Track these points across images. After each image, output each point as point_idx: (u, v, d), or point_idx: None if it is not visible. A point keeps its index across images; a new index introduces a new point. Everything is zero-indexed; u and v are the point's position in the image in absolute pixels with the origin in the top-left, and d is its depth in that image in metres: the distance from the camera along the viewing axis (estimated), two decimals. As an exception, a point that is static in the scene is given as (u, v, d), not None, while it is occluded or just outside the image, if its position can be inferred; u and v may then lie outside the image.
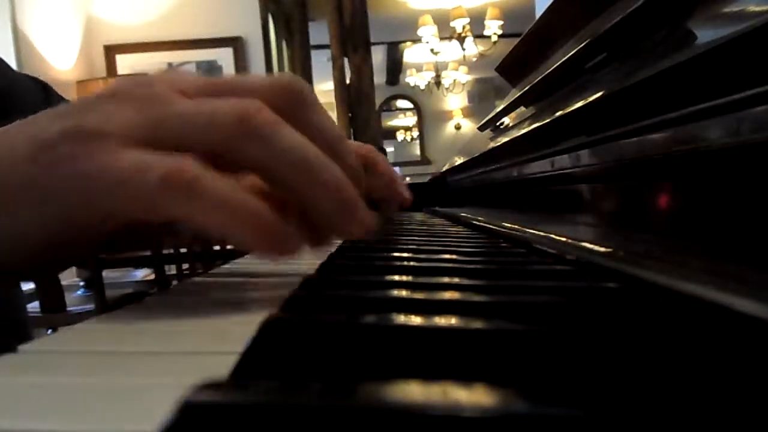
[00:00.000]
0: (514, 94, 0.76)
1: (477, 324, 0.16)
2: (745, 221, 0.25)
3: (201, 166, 0.24)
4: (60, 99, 0.63)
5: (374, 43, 3.96)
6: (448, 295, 0.21)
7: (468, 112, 8.05)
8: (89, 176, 0.24)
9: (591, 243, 0.33)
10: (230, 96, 0.27)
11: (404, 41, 6.93)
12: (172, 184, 0.23)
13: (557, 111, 0.47)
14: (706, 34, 0.28)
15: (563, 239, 0.37)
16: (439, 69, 6.82)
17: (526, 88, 0.63)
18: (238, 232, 0.24)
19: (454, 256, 0.39)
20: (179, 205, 0.24)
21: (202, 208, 0.24)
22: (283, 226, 0.25)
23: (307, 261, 0.41)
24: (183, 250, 2.16)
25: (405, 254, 0.39)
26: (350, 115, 3.62)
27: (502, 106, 0.83)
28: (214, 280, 0.40)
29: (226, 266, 0.46)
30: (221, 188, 0.24)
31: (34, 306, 1.88)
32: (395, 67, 7.86)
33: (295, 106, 0.28)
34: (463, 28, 5.04)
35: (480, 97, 7.85)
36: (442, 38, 5.42)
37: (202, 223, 0.24)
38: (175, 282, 2.20)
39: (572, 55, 0.46)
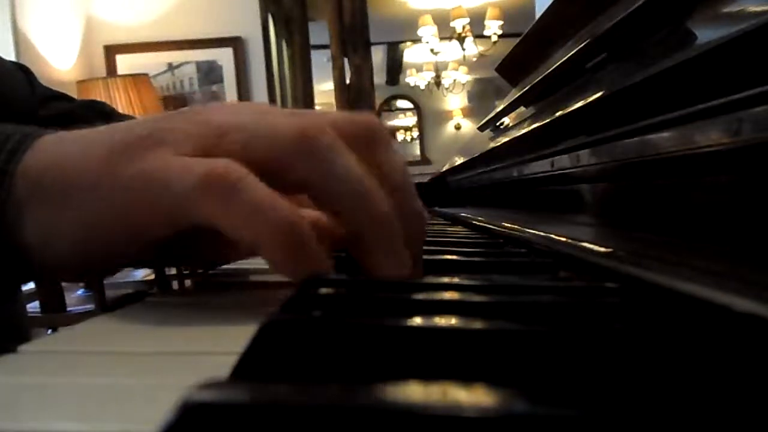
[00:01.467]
0: (514, 94, 0.76)
1: (477, 324, 0.16)
2: (745, 221, 0.25)
3: (246, 171, 0.24)
4: (42, 86, 0.63)
5: (374, 43, 3.96)
6: (448, 295, 0.21)
7: (468, 112, 8.05)
8: (141, 177, 0.25)
9: (591, 243, 0.33)
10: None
11: (404, 41, 6.93)
12: (212, 184, 0.24)
13: (557, 111, 0.47)
14: (706, 34, 0.28)
15: (563, 239, 0.37)
16: (439, 69, 6.82)
17: (526, 88, 0.63)
18: (267, 243, 0.24)
19: (454, 257, 0.39)
20: (217, 207, 0.24)
21: (238, 212, 0.24)
22: (314, 246, 0.25)
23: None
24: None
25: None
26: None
27: (502, 106, 0.83)
28: (214, 280, 0.40)
29: (227, 266, 0.46)
30: (261, 195, 0.24)
31: (34, 306, 1.88)
32: (395, 67, 7.86)
33: (368, 140, 0.28)
34: (463, 28, 5.04)
35: (480, 97, 7.84)
36: (442, 38, 5.42)
37: (236, 228, 0.24)
38: (175, 282, 2.20)
39: (572, 55, 0.46)
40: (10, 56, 2.38)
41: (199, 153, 0.26)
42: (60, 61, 2.78)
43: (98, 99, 2.73)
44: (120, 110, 2.87)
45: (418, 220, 0.29)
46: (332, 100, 3.74)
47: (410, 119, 8.42)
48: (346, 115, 0.29)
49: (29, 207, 0.27)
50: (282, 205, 0.24)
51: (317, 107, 3.89)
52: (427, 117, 8.26)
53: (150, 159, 0.25)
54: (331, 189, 0.26)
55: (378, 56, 6.92)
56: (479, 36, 5.24)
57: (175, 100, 3.05)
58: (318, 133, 0.26)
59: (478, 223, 0.65)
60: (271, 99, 3.15)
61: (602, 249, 0.31)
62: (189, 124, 0.27)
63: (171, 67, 3.07)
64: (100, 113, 0.62)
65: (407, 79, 7.44)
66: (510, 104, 0.77)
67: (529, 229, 0.46)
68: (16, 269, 0.28)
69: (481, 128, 1.04)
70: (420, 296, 0.21)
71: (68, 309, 1.92)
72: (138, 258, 0.30)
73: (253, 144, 0.26)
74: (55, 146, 0.28)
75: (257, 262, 0.42)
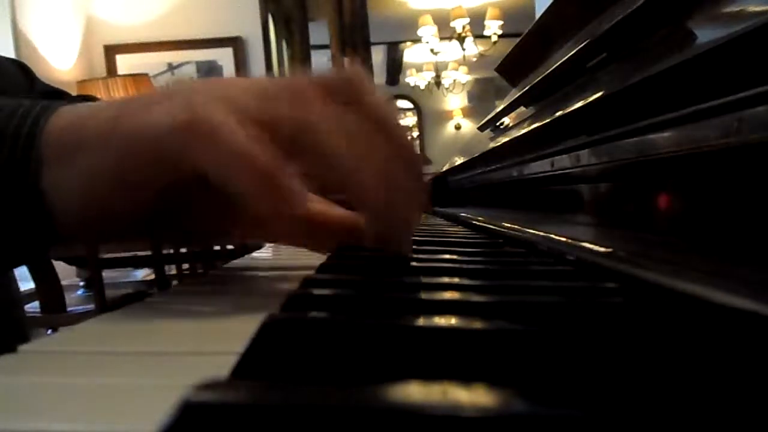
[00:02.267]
0: (514, 94, 0.76)
1: (477, 324, 0.16)
2: (745, 221, 0.25)
3: (228, 119, 0.26)
4: (41, 83, 0.63)
5: (374, 43, 3.96)
6: (448, 295, 0.21)
7: (468, 112, 8.05)
8: (138, 127, 0.28)
9: (591, 243, 0.33)
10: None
11: (404, 41, 6.93)
12: (192, 126, 0.26)
13: (557, 111, 0.47)
14: (706, 34, 0.28)
15: (563, 239, 0.37)
16: (439, 69, 6.82)
17: (526, 88, 0.63)
18: (246, 185, 0.26)
19: (454, 256, 0.39)
20: (195, 147, 0.26)
21: (215, 153, 0.26)
22: (292, 187, 0.26)
23: (307, 261, 0.41)
24: (183, 250, 2.16)
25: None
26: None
27: (502, 106, 0.83)
28: (215, 280, 0.40)
29: (227, 266, 0.46)
30: (239, 137, 0.26)
31: (34, 306, 1.88)
32: (395, 67, 7.85)
33: (352, 90, 0.30)
34: (463, 28, 5.03)
35: (480, 97, 7.84)
36: (442, 38, 5.42)
37: (213, 167, 0.26)
38: (175, 282, 2.20)
39: (572, 55, 0.46)
40: (10, 56, 2.37)
41: (232, 111, 0.27)
42: (60, 61, 2.78)
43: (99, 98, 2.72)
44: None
45: (413, 159, 0.31)
46: (332, 100, 3.73)
47: (410, 119, 8.42)
48: (329, 72, 0.31)
49: (50, 165, 0.29)
50: (258, 149, 0.26)
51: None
52: (427, 117, 8.26)
53: (148, 115, 0.28)
54: (327, 165, 0.28)
55: (378, 56, 6.91)
56: (479, 36, 5.24)
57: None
58: (308, 112, 0.28)
59: (478, 223, 0.65)
60: (271, 99, 3.14)
61: (602, 249, 0.31)
62: (189, 91, 0.29)
63: (171, 67, 3.07)
64: None
65: (407, 79, 7.44)
66: (510, 104, 0.77)
67: (529, 229, 0.46)
68: (44, 229, 0.30)
69: (481, 128, 1.04)
70: (420, 296, 0.21)
71: (68, 309, 1.92)
72: (140, 215, 0.31)
73: (248, 103, 0.28)
74: (72, 112, 0.30)
75: (257, 262, 0.42)
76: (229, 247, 2.42)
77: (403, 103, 8.38)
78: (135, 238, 0.34)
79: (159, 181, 0.29)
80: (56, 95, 0.64)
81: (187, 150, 0.26)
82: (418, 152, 0.38)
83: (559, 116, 0.46)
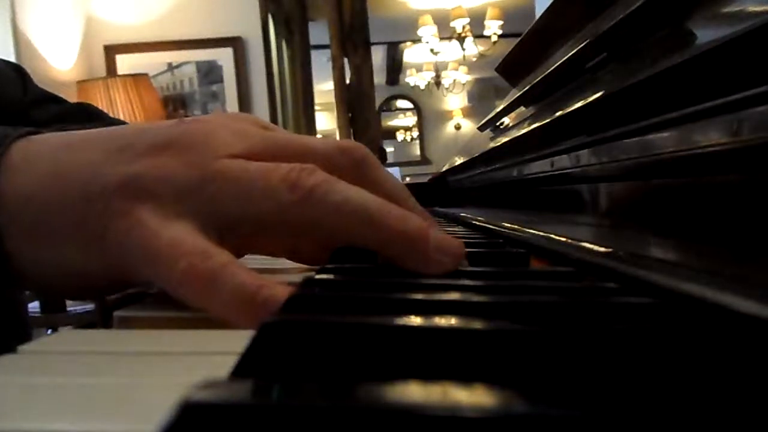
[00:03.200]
0: (514, 94, 0.76)
1: (477, 324, 0.16)
2: (745, 221, 0.25)
3: (229, 260, 0.24)
4: (35, 87, 0.63)
5: (374, 43, 3.96)
6: (448, 295, 0.21)
7: (468, 112, 8.05)
8: (130, 241, 0.25)
9: (591, 243, 0.33)
10: (290, 159, 0.26)
11: (404, 41, 6.93)
12: (193, 279, 0.24)
13: (557, 111, 0.47)
14: (706, 34, 0.28)
15: (563, 239, 0.37)
16: (439, 69, 6.82)
17: (526, 88, 0.63)
18: (246, 325, 0.23)
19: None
20: (196, 297, 0.24)
21: (218, 302, 0.23)
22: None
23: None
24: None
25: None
26: (350, 115, 3.62)
27: (502, 106, 0.83)
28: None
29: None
30: (240, 284, 0.23)
31: (34, 306, 1.88)
32: (395, 67, 7.85)
33: (356, 164, 0.28)
34: (463, 28, 5.04)
35: (480, 97, 7.84)
36: (442, 38, 5.42)
37: (217, 314, 0.24)
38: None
39: (572, 55, 0.46)
40: (10, 56, 2.38)
41: (190, 213, 0.25)
42: (60, 61, 2.78)
43: (98, 99, 2.72)
44: (120, 110, 2.84)
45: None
46: (332, 100, 3.74)
47: (410, 119, 8.42)
48: (334, 145, 0.29)
49: (12, 236, 0.26)
50: (260, 288, 0.23)
51: (317, 107, 3.88)
52: (427, 117, 8.26)
53: (138, 217, 0.25)
54: (338, 224, 0.25)
55: (378, 56, 6.91)
56: (479, 36, 5.24)
57: (175, 100, 3.05)
58: (306, 176, 0.25)
59: (478, 223, 0.65)
60: (271, 99, 3.15)
61: (602, 249, 0.31)
62: (171, 167, 0.25)
63: (171, 67, 3.07)
64: (90, 116, 0.62)
65: (407, 79, 7.44)
66: (510, 104, 0.77)
67: (529, 229, 0.46)
68: (4, 279, 0.28)
69: (481, 128, 1.04)
70: (420, 296, 0.21)
71: (68, 309, 1.92)
72: (115, 287, 0.30)
73: (248, 207, 0.25)
74: (32, 169, 0.26)
75: (257, 262, 0.42)
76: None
77: (403, 103, 8.39)
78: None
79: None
80: (50, 100, 0.64)
81: (186, 295, 0.24)
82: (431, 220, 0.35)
83: (559, 116, 0.46)
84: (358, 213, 0.25)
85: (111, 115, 0.68)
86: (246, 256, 0.44)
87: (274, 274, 0.40)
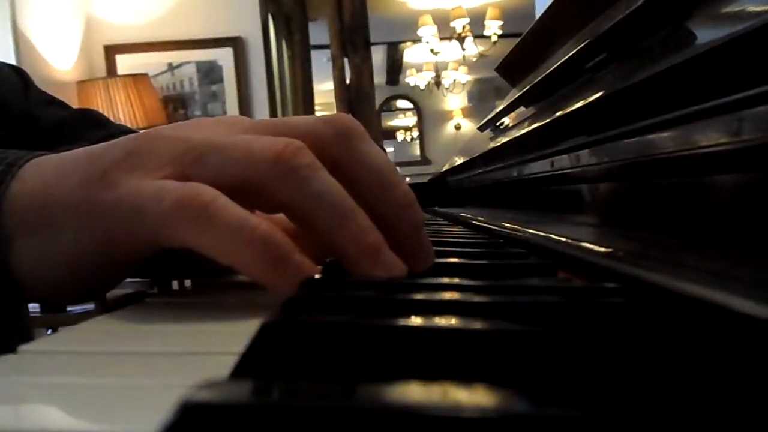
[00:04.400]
0: (514, 94, 0.76)
1: (477, 324, 0.16)
2: (745, 221, 0.25)
3: (217, 193, 0.24)
4: (38, 90, 0.63)
5: (374, 43, 3.96)
6: (447, 295, 0.21)
7: (468, 112, 8.05)
8: (112, 204, 0.26)
9: (591, 243, 0.33)
10: (278, 134, 0.27)
11: (404, 41, 6.93)
12: (184, 209, 0.24)
13: (557, 111, 0.47)
14: (706, 34, 0.28)
15: (563, 239, 0.37)
16: (439, 69, 6.82)
17: (526, 88, 0.63)
18: (245, 260, 0.24)
19: (454, 257, 0.39)
20: (190, 231, 0.24)
21: (213, 233, 0.24)
22: (294, 256, 0.25)
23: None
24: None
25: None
26: (350, 115, 3.62)
27: (502, 106, 0.83)
28: (215, 280, 0.40)
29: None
30: (233, 215, 0.24)
31: (34, 306, 1.88)
32: (395, 67, 7.85)
33: (340, 135, 0.28)
34: (463, 28, 5.03)
35: (480, 97, 7.84)
36: (442, 38, 5.42)
37: (212, 250, 0.24)
38: (175, 282, 2.20)
39: (572, 55, 0.46)
40: (10, 56, 2.38)
41: (175, 176, 0.26)
42: (60, 62, 2.77)
43: (98, 99, 2.71)
44: (120, 110, 2.83)
45: (409, 205, 0.29)
46: (332, 100, 3.74)
47: (410, 119, 8.42)
48: (318, 118, 0.29)
49: (16, 236, 0.27)
50: (255, 222, 0.24)
51: (317, 107, 3.88)
52: (427, 117, 8.26)
53: (125, 184, 0.26)
54: (308, 209, 0.26)
55: (378, 56, 6.91)
56: (479, 36, 5.24)
57: (174, 100, 3.05)
58: (294, 153, 0.26)
59: (478, 223, 0.65)
60: (271, 99, 3.15)
61: (602, 249, 0.31)
62: (164, 146, 0.27)
63: (171, 67, 3.07)
64: (94, 123, 0.62)
65: (407, 79, 7.44)
66: (510, 104, 0.77)
67: (529, 229, 0.46)
68: (8, 294, 0.28)
69: (481, 128, 1.04)
70: (420, 297, 0.21)
71: (68, 309, 1.92)
72: (127, 277, 0.30)
73: (228, 166, 0.26)
74: (38, 173, 0.28)
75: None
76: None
77: (403, 103, 8.39)
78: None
79: (142, 257, 0.27)
80: (53, 104, 0.63)
81: (180, 233, 0.24)
82: (419, 210, 0.35)
83: (559, 116, 0.46)
84: (327, 208, 0.26)
85: (111, 115, 0.68)
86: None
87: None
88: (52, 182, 0.27)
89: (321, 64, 4.83)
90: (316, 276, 0.25)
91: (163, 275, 0.39)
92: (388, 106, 8.31)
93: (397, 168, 0.31)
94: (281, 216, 0.27)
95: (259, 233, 0.24)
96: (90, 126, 0.60)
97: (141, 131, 0.30)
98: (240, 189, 0.25)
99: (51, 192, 0.27)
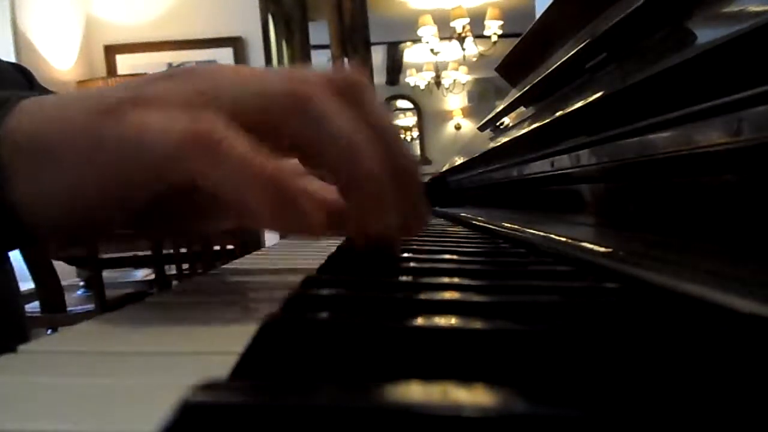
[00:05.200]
0: (514, 94, 0.76)
1: (477, 324, 0.16)
2: (745, 221, 0.25)
3: (230, 131, 0.24)
4: (41, 87, 0.63)
5: (374, 43, 3.96)
6: (448, 295, 0.21)
7: (468, 112, 8.05)
8: (122, 137, 0.25)
9: (591, 243, 0.33)
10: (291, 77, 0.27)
11: (404, 41, 6.93)
12: (194, 141, 0.24)
13: (557, 111, 0.47)
14: (706, 34, 0.28)
15: (563, 239, 0.37)
16: (439, 69, 6.82)
17: (526, 88, 0.63)
18: (251, 199, 0.24)
19: (454, 257, 0.39)
20: (199, 164, 0.24)
21: (222, 169, 0.23)
22: (301, 201, 0.24)
23: (307, 261, 0.41)
24: (183, 250, 2.16)
25: (404, 254, 0.39)
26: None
27: (502, 106, 0.83)
28: (214, 280, 0.40)
29: (227, 266, 0.46)
30: (244, 152, 0.23)
31: (34, 306, 1.88)
32: (395, 67, 7.85)
33: (355, 95, 0.28)
34: (463, 28, 5.03)
35: (480, 97, 7.84)
36: (442, 38, 5.42)
37: (220, 185, 0.24)
38: (175, 282, 2.20)
39: (572, 55, 0.46)
40: (10, 56, 2.38)
41: (175, 105, 0.25)
42: (60, 61, 2.78)
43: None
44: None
45: (409, 172, 0.29)
46: (332, 100, 3.74)
47: (410, 119, 8.42)
48: (333, 71, 0.29)
49: (16, 169, 0.26)
50: (266, 161, 0.24)
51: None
52: (427, 117, 8.26)
53: (131, 118, 0.25)
54: (321, 147, 0.26)
55: (378, 56, 6.91)
56: (479, 36, 5.24)
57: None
58: (309, 91, 0.26)
59: (478, 223, 0.65)
60: (271, 99, 3.14)
61: (602, 249, 0.31)
62: (175, 84, 0.26)
63: (171, 67, 3.06)
64: None
65: (407, 79, 7.44)
66: (510, 104, 0.77)
67: (529, 229, 0.46)
68: (8, 229, 0.28)
69: (481, 128, 1.04)
70: (420, 296, 0.21)
71: (68, 309, 1.92)
72: (126, 220, 0.30)
73: (243, 102, 0.25)
74: (38, 109, 0.27)
75: (257, 263, 0.42)
76: (229, 247, 2.42)
77: (403, 103, 8.38)
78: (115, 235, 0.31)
79: (150, 193, 0.27)
80: None
81: (188, 166, 0.24)
82: (417, 159, 0.35)
83: (559, 116, 0.46)
84: (342, 148, 0.26)
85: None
86: (246, 256, 0.44)
87: (276, 275, 0.40)
88: (53, 116, 0.27)
89: (321, 64, 4.84)
90: (318, 277, 0.25)
91: (157, 227, 0.38)
92: (388, 106, 8.31)
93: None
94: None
95: (269, 173, 0.23)
96: None
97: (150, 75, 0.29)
98: (254, 125, 0.25)
99: (51, 126, 0.26)
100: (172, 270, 2.22)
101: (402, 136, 0.31)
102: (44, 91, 0.63)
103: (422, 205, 0.29)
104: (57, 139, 0.26)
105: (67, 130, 0.26)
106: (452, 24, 5.03)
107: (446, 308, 0.20)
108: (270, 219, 0.24)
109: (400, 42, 7.01)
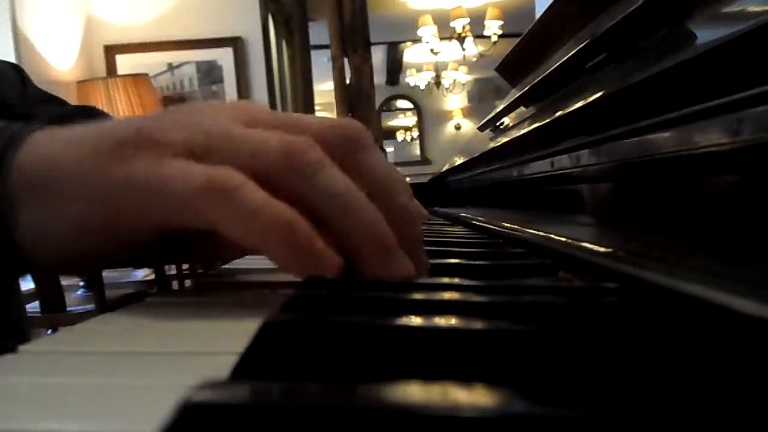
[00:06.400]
0: (514, 94, 0.76)
1: (477, 324, 0.16)
2: (745, 221, 0.25)
3: (244, 177, 0.24)
4: (35, 87, 0.63)
5: (374, 43, 3.96)
6: (447, 295, 0.21)
7: (468, 112, 8.05)
8: (125, 181, 0.25)
9: (591, 243, 0.33)
10: (289, 131, 0.27)
11: (404, 41, 6.93)
12: (212, 190, 0.24)
13: (557, 111, 0.47)
14: (706, 34, 0.28)
15: (563, 239, 0.37)
16: (439, 69, 6.82)
17: (526, 88, 0.63)
18: (270, 244, 0.24)
19: (454, 257, 0.39)
20: (215, 210, 0.24)
21: (237, 214, 0.24)
22: (318, 244, 0.25)
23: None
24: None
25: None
26: (350, 115, 3.61)
27: (502, 106, 0.83)
28: (215, 280, 0.40)
29: (227, 266, 0.46)
30: (259, 197, 0.24)
31: (34, 306, 1.88)
32: (395, 67, 7.85)
33: (351, 146, 0.28)
34: (463, 28, 5.03)
35: (480, 97, 7.84)
36: (442, 38, 5.42)
37: (237, 231, 0.24)
38: (175, 282, 2.20)
39: (572, 55, 0.46)
40: (10, 56, 2.38)
41: (188, 157, 0.26)
42: (60, 61, 2.77)
43: (98, 99, 2.71)
44: (120, 110, 2.83)
45: (411, 219, 0.29)
46: (332, 100, 3.74)
47: (410, 119, 8.42)
48: (327, 122, 0.29)
49: (22, 202, 0.27)
50: (281, 207, 0.24)
51: (317, 107, 3.89)
52: (427, 117, 8.26)
53: (140, 161, 0.25)
54: (318, 204, 0.26)
55: (378, 56, 6.91)
56: (479, 36, 5.24)
57: (174, 100, 3.05)
58: (302, 149, 0.26)
59: (478, 223, 0.65)
60: (271, 99, 3.15)
61: (602, 249, 0.31)
62: (177, 126, 0.27)
63: (171, 67, 3.07)
64: (93, 117, 0.62)
65: (407, 79, 7.43)
66: (510, 104, 0.77)
67: (529, 229, 0.46)
68: (11, 263, 0.28)
69: (481, 128, 1.04)
70: (420, 296, 0.21)
71: (68, 309, 1.92)
72: (131, 256, 0.30)
73: (240, 158, 0.26)
74: (47, 143, 0.28)
75: (256, 262, 0.42)
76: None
77: (403, 103, 8.39)
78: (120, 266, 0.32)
79: (147, 238, 0.27)
80: (51, 101, 0.64)
81: (208, 213, 0.24)
82: (423, 212, 0.35)
83: (559, 116, 0.46)
84: (338, 205, 0.26)
85: (111, 115, 0.68)
86: (247, 257, 0.44)
87: (276, 275, 0.40)
88: (61, 153, 0.27)
89: (321, 64, 4.83)
90: (318, 277, 0.25)
91: (160, 263, 0.39)
92: (388, 106, 8.31)
93: (407, 181, 0.31)
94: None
95: (285, 218, 0.24)
96: (92, 118, 0.60)
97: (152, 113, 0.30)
98: (252, 178, 0.25)
99: (60, 162, 0.27)
100: (172, 270, 2.22)
101: (407, 182, 0.32)
102: (37, 90, 0.63)
103: (422, 255, 0.29)
104: (63, 174, 0.27)
105: (73, 166, 0.26)
106: (452, 24, 5.04)
107: (446, 308, 0.20)
108: (288, 264, 0.25)
109: (400, 42, 7.01)
